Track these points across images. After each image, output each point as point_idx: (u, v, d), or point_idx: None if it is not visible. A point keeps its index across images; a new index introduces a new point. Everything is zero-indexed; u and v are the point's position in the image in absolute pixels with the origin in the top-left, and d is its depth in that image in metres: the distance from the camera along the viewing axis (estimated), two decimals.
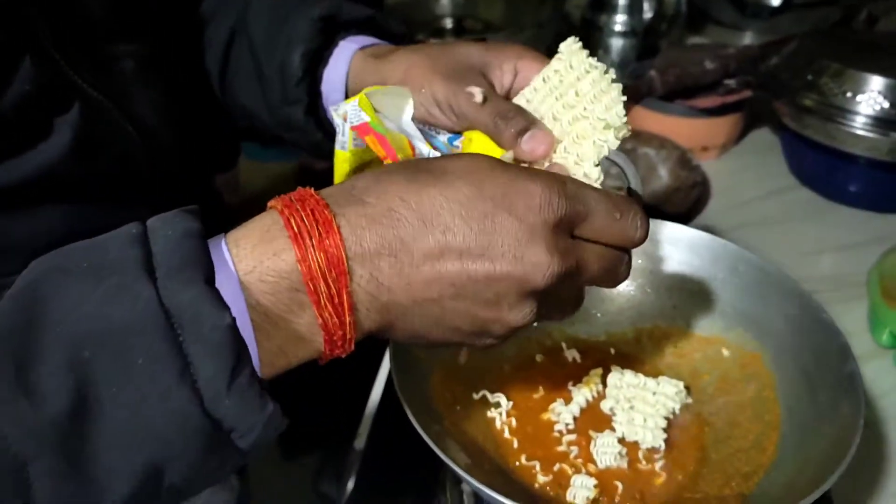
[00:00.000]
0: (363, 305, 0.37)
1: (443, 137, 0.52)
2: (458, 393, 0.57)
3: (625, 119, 0.45)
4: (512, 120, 0.48)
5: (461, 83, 0.50)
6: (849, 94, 0.83)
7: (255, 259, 0.35)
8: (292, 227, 0.35)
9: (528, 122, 0.48)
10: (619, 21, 1.08)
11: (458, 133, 0.52)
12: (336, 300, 0.35)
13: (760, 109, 1.01)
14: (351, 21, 0.58)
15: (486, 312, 0.38)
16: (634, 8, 1.08)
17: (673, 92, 0.97)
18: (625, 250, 0.41)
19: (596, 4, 1.10)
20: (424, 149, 0.51)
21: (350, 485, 0.60)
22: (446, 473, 0.60)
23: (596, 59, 0.47)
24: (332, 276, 0.35)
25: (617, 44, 1.09)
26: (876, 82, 0.82)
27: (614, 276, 0.41)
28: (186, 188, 0.58)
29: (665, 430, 0.56)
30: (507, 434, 0.56)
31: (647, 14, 1.09)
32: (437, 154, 0.51)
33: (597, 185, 0.44)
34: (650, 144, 0.95)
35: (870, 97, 0.82)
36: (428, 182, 0.37)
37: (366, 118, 0.49)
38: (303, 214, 0.36)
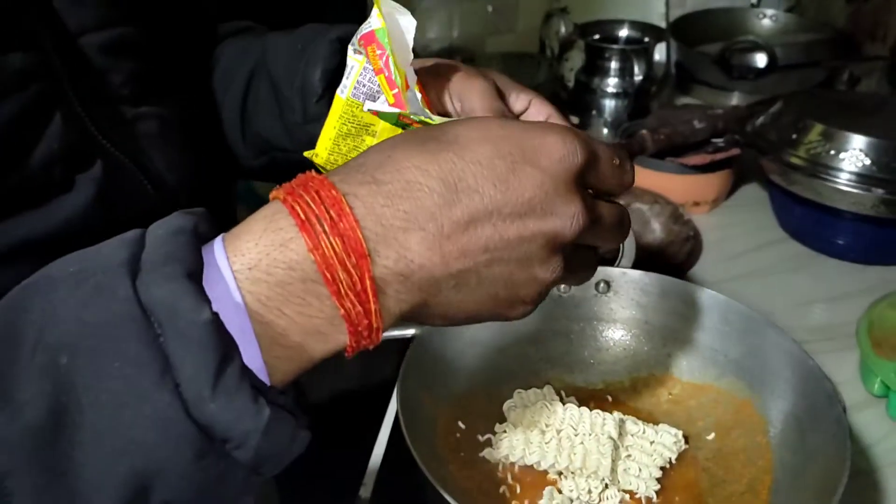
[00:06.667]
0: (392, 289, 0.34)
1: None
2: (463, 438, 0.58)
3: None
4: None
5: (478, 83, 0.51)
6: (832, 152, 0.86)
7: (261, 252, 0.33)
8: (298, 215, 0.33)
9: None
10: (612, 83, 1.13)
11: None
12: (359, 287, 0.33)
13: (749, 166, 1.03)
14: None
15: (519, 273, 0.36)
16: (626, 71, 1.12)
17: (664, 150, 0.99)
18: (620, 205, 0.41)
19: (589, 68, 1.14)
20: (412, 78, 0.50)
21: None
22: None
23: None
24: (351, 262, 0.32)
25: (609, 105, 1.14)
26: (858, 141, 0.85)
27: (622, 229, 0.41)
28: None
29: (660, 479, 0.57)
30: (510, 479, 0.57)
31: (638, 77, 1.12)
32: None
33: None
34: (643, 200, 0.97)
35: (852, 154, 0.85)
36: (442, 148, 0.35)
37: (377, 24, 0.48)
38: (308, 199, 0.33)
